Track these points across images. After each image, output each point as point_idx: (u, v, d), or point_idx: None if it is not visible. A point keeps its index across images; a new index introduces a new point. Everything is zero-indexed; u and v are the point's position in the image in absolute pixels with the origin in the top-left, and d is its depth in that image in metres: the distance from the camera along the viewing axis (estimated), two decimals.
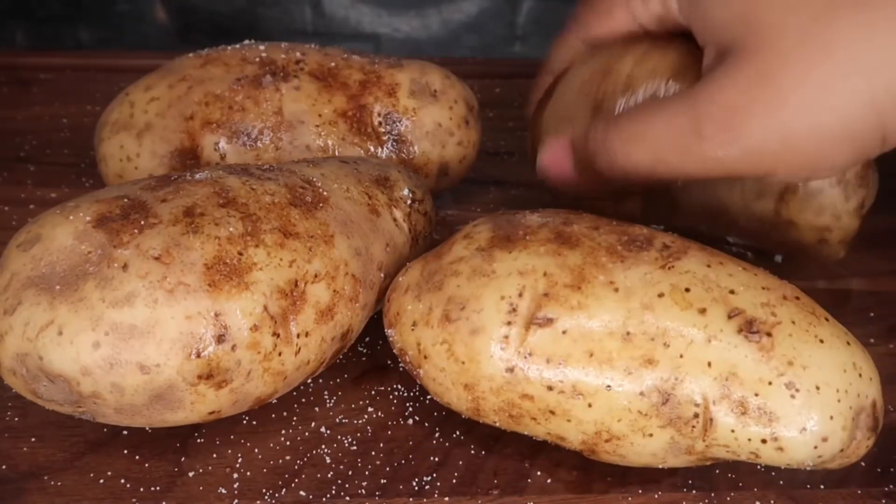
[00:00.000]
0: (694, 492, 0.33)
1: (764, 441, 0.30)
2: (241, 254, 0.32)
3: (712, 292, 0.31)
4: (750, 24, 0.33)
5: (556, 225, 0.33)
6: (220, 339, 0.31)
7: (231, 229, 0.32)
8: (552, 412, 0.31)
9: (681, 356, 0.30)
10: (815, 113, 0.31)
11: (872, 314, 0.43)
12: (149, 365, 0.30)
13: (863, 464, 0.35)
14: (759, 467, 0.34)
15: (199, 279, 0.31)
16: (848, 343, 0.31)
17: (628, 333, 0.31)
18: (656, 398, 0.31)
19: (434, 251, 0.35)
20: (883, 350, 0.41)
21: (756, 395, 0.30)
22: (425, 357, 0.33)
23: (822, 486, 0.34)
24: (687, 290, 0.31)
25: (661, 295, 0.31)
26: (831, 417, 0.30)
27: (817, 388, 0.30)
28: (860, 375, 0.31)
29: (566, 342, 0.31)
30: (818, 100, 0.31)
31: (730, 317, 0.31)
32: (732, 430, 0.30)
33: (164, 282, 0.30)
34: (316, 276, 0.33)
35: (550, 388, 0.31)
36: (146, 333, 0.30)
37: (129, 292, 0.30)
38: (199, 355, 0.30)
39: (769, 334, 0.31)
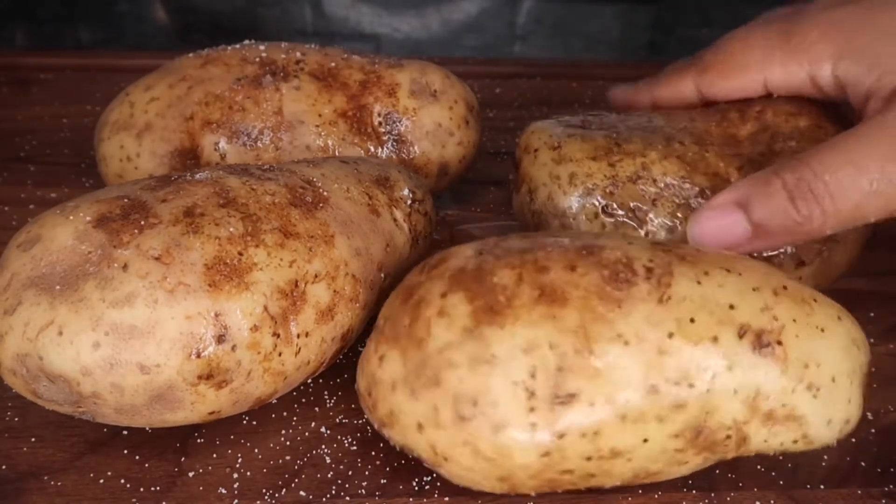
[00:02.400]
0: (694, 492, 0.33)
1: (795, 441, 0.32)
2: (241, 254, 0.32)
3: (715, 315, 0.30)
4: None
5: (531, 276, 0.31)
6: (220, 339, 0.31)
7: (231, 229, 0.32)
8: (592, 475, 0.31)
9: (707, 391, 0.30)
10: None
11: (872, 314, 0.43)
12: (149, 365, 0.30)
13: (863, 464, 0.35)
14: (759, 467, 0.34)
15: (200, 279, 0.31)
16: (839, 318, 0.33)
17: (653, 386, 0.30)
18: (690, 434, 0.30)
19: (403, 333, 0.31)
20: (883, 350, 0.41)
21: (783, 405, 0.31)
22: (445, 459, 0.31)
23: (822, 486, 0.34)
24: (692, 320, 0.30)
25: (671, 335, 0.30)
26: (849, 401, 0.32)
27: (833, 379, 0.31)
28: (858, 348, 0.32)
29: (596, 413, 0.29)
30: None
31: (740, 337, 0.30)
32: (765, 440, 0.32)
33: (164, 282, 0.30)
34: (316, 276, 0.33)
35: (589, 458, 0.30)
36: (146, 334, 0.30)
37: (129, 292, 0.30)
38: (199, 355, 0.30)
39: (780, 342, 0.31)
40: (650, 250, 0.32)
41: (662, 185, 0.39)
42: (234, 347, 0.31)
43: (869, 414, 0.37)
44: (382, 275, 0.37)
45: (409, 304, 0.32)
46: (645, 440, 0.30)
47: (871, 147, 0.33)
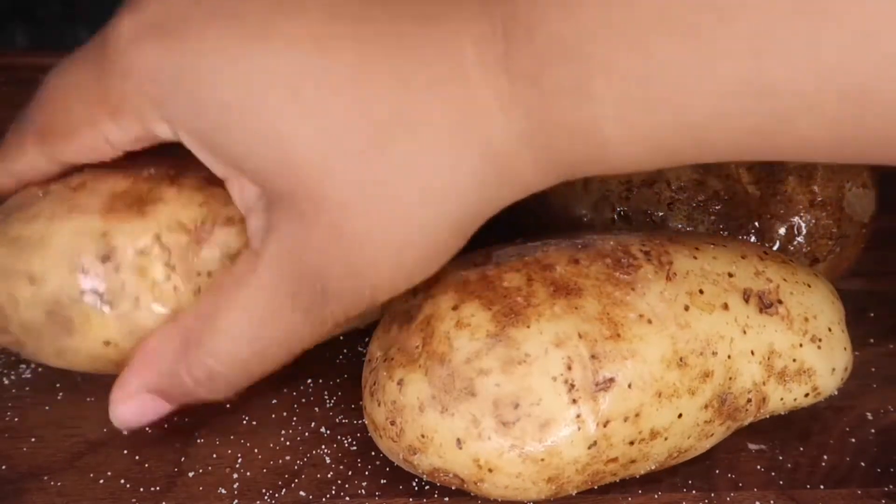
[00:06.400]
0: (694, 492, 0.33)
1: (806, 395, 0.34)
2: (151, 190, 0.33)
3: (719, 284, 0.32)
4: (297, 172, 0.28)
5: (539, 275, 0.31)
6: (104, 258, 0.32)
7: (153, 171, 0.33)
8: (633, 461, 0.31)
9: (729, 357, 0.31)
10: (396, 248, 0.29)
11: (872, 314, 0.43)
12: (36, 275, 0.31)
13: (863, 464, 0.35)
14: (758, 467, 0.34)
15: (99, 203, 0.32)
16: (815, 275, 0.35)
17: (682, 359, 0.31)
18: (717, 403, 0.32)
19: (419, 354, 0.30)
20: (883, 350, 0.41)
21: (794, 360, 0.33)
22: (490, 470, 0.30)
23: (821, 486, 0.34)
24: (701, 291, 0.32)
25: (686, 308, 0.31)
26: (844, 348, 0.34)
27: (829, 329, 0.34)
28: (838, 299, 0.35)
29: (635, 394, 0.30)
30: (396, 233, 0.28)
31: (746, 300, 0.32)
32: (781, 399, 0.33)
33: (65, 203, 0.32)
34: (229, 219, 0.33)
35: (632, 443, 0.30)
36: (35, 245, 0.31)
37: (35, 212, 0.32)
38: (82, 271, 0.31)
39: (780, 301, 0.33)
40: (638, 237, 0.33)
41: (676, 188, 0.39)
42: (117, 268, 0.32)
43: (869, 414, 0.37)
44: None
45: (414, 326, 0.31)
46: (680, 415, 0.31)
47: (245, 315, 0.30)
